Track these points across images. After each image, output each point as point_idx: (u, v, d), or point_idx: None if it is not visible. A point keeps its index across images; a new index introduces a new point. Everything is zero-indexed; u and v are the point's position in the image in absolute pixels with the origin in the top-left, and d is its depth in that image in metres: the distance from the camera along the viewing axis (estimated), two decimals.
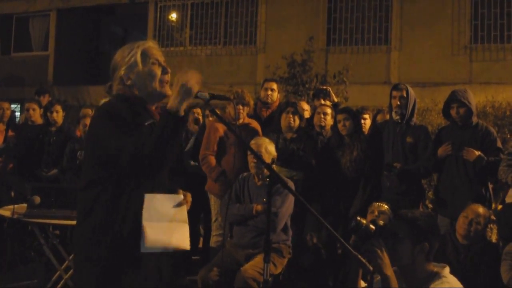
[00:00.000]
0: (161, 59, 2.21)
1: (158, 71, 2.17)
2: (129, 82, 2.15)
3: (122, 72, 2.15)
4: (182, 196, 2.22)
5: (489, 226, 4.39)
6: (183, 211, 2.20)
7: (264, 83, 5.39)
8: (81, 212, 2.09)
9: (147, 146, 1.94)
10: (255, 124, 4.75)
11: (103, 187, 2.02)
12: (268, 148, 3.97)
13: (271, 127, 4.86)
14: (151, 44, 2.23)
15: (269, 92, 5.24)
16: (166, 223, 2.11)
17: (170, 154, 2.00)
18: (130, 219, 2.02)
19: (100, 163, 2.03)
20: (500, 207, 4.74)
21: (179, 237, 2.14)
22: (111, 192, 2.01)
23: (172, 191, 2.21)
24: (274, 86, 5.32)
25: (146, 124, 2.10)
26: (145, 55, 2.17)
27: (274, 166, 4.18)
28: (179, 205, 2.19)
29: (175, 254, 2.21)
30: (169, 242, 2.10)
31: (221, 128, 4.61)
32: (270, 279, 3.26)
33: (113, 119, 2.02)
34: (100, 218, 2.01)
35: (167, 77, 2.20)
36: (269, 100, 5.25)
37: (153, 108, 2.22)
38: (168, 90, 2.19)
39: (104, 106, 2.17)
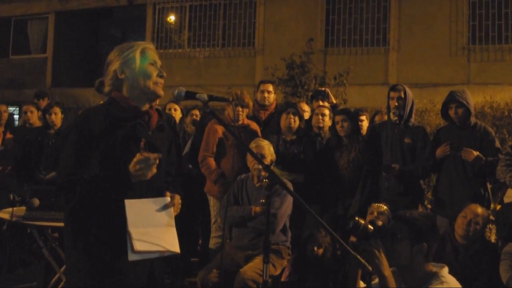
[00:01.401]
0: (158, 62, 2.21)
1: (154, 73, 2.17)
2: (122, 76, 2.14)
3: (117, 65, 2.14)
4: (168, 199, 2.15)
5: (488, 226, 4.40)
6: (169, 214, 2.14)
7: (260, 85, 5.34)
8: (64, 216, 2.15)
9: (93, 186, 1.97)
10: (254, 126, 4.74)
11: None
12: (268, 150, 3.98)
13: (270, 128, 4.86)
14: (151, 46, 2.24)
15: (266, 94, 5.21)
16: (152, 228, 2.05)
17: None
18: (108, 224, 2.02)
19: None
20: (499, 207, 4.75)
21: (168, 241, 2.09)
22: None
23: (160, 194, 2.17)
24: (270, 87, 5.30)
25: (128, 124, 2.09)
26: (144, 54, 2.17)
27: (274, 168, 4.18)
28: (164, 208, 2.12)
29: (169, 257, 2.18)
30: (157, 247, 2.04)
31: (220, 130, 4.60)
32: (269, 280, 3.26)
33: (70, 138, 2.04)
34: (77, 223, 2.06)
35: (162, 81, 2.19)
36: (266, 102, 5.22)
37: (145, 107, 2.20)
38: (160, 90, 2.19)
39: (80, 117, 2.16)
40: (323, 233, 3.91)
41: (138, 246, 1.98)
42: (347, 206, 4.36)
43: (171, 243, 2.09)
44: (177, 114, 5.77)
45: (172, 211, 2.16)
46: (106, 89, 2.19)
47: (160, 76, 2.18)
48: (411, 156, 4.29)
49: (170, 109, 5.72)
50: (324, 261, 3.90)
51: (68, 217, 2.10)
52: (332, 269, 3.90)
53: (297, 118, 4.57)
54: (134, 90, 2.15)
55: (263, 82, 5.44)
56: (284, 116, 4.59)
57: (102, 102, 2.29)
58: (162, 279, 2.30)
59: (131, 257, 1.99)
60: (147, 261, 2.11)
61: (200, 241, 5.53)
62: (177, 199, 2.20)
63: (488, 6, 10.52)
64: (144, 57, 2.17)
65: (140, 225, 2.01)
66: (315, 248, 3.88)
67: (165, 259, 2.20)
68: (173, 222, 2.15)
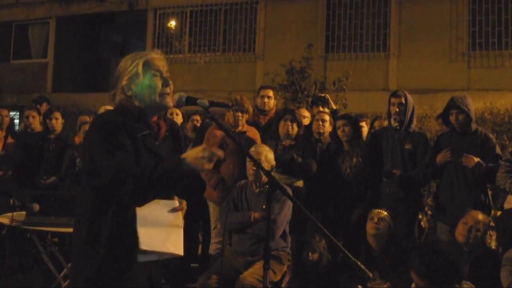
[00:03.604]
0: (164, 70, 2.19)
1: (158, 83, 2.16)
2: (129, 93, 2.16)
3: (124, 82, 2.16)
4: (177, 202, 2.21)
5: (488, 232, 4.39)
6: (178, 216, 2.19)
7: (260, 90, 5.38)
8: (76, 217, 2.15)
9: (146, 176, 1.93)
10: (254, 132, 4.74)
11: (95, 194, 2.04)
12: (268, 156, 3.97)
13: (269, 134, 4.86)
14: (154, 55, 2.22)
15: (266, 100, 5.24)
16: (160, 227, 2.11)
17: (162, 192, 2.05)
18: (121, 224, 2.03)
19: (90, 173, 2.06)
20: (499, 213, 4.74)
21: (174, 242, 2.14)
22: (102, 199, 2.03)
23: (167, 197, 2.20)
24: (270, 93, 5.32)
25: (139, 135, 2.09)
26: (147, 66, 2.16)
27: (273, 173, 4.17)
28: (173, 210, 2.18)
29: (169, 263, 2.20)
30: (164, 247, 2.09)
31: (219, 135, 4.60)
32: (269, 286, 3.25)
33: (104, 135, 2.01)
34: (92, 224, 2.04)
35: (168, 90, 2.18)
36: (266, 108, 5.24)
37: (154, 118, 2.22)
38: (169, 101, 2.19)
39: (100, 118, 2.17)
40: (317, 238, 3.92)
41: (144, 245, 2.02)
42: (349, 212, 4.36)
43: (175, 244, 2.14)
44: (179, 119, 5.79)
45: (180, 214, 2.20)
46: (117, 100, 2.20)
47: (165, 85, 2.17)
48: (412, 162, 4.29)
49: (171, 114, 5.74)
50: (321, 266, 3.89)
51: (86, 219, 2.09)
52: (330, 274, 3.90)
53: (295, 125, 4.57)
54: (143, 104, 2.16)
55: (263, 87, 5.47)
56: (282, 123, 4.59)
57: (104, 106, 2.31)
58: (160, 285, 2.30)
59: (140, 258, 2.04)
60: (146, 266, 2.12)
61: (200, 247, 5.52)
62: (184, 204, 2.24)
63: (488, 12, 10.54)
64: (147, 69, 2.16)
65: (149, 224, 2.07)
66: (310, 254, 3.88)
67: (163, 265, 2.22)
68: (181, 223, 2.20)
